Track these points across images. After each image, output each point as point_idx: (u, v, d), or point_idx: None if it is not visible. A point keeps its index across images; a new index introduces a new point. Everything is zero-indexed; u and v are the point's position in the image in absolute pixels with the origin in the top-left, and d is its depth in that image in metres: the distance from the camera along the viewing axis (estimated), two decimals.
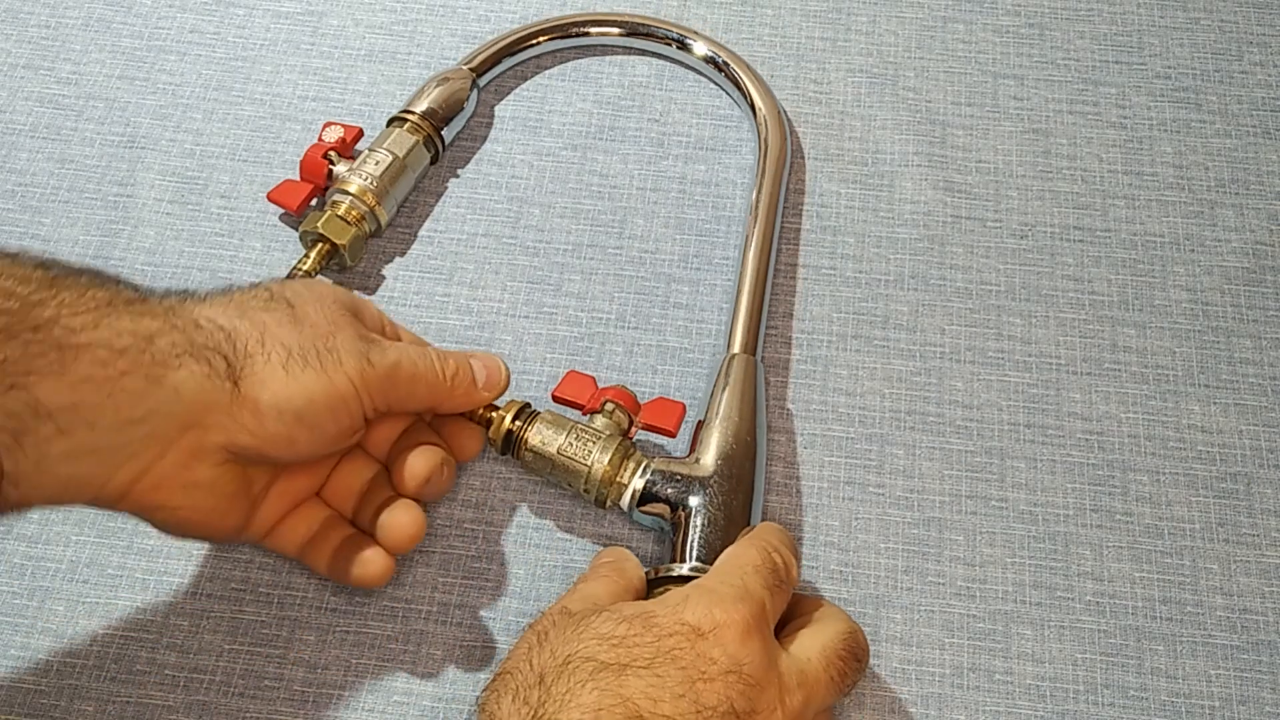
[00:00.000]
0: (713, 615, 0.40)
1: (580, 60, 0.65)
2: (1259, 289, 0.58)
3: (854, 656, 0.43)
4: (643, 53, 0.66)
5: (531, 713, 0.37)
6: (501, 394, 0.50)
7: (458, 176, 0.61)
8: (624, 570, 0.46)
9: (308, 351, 0.44)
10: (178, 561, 0.51)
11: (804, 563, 0.51)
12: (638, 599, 0.45)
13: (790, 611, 0.45)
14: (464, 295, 0.58)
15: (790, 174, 0.61)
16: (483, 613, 0.50)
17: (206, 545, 0.51)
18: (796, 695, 0.40)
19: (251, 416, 0.42)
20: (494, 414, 0.50)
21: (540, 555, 0.51)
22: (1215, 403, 0.55)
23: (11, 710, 0.48)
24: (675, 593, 0.42)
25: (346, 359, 0.45)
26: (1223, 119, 0.63)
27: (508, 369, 0.51)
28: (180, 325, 0.41)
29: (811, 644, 0.43)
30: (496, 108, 0.64)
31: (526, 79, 0.65)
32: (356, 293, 0.53)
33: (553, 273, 0.59)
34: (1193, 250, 0.59)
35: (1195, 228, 0.60)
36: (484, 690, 0.40)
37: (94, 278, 0.41)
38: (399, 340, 0.50)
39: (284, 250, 0.59)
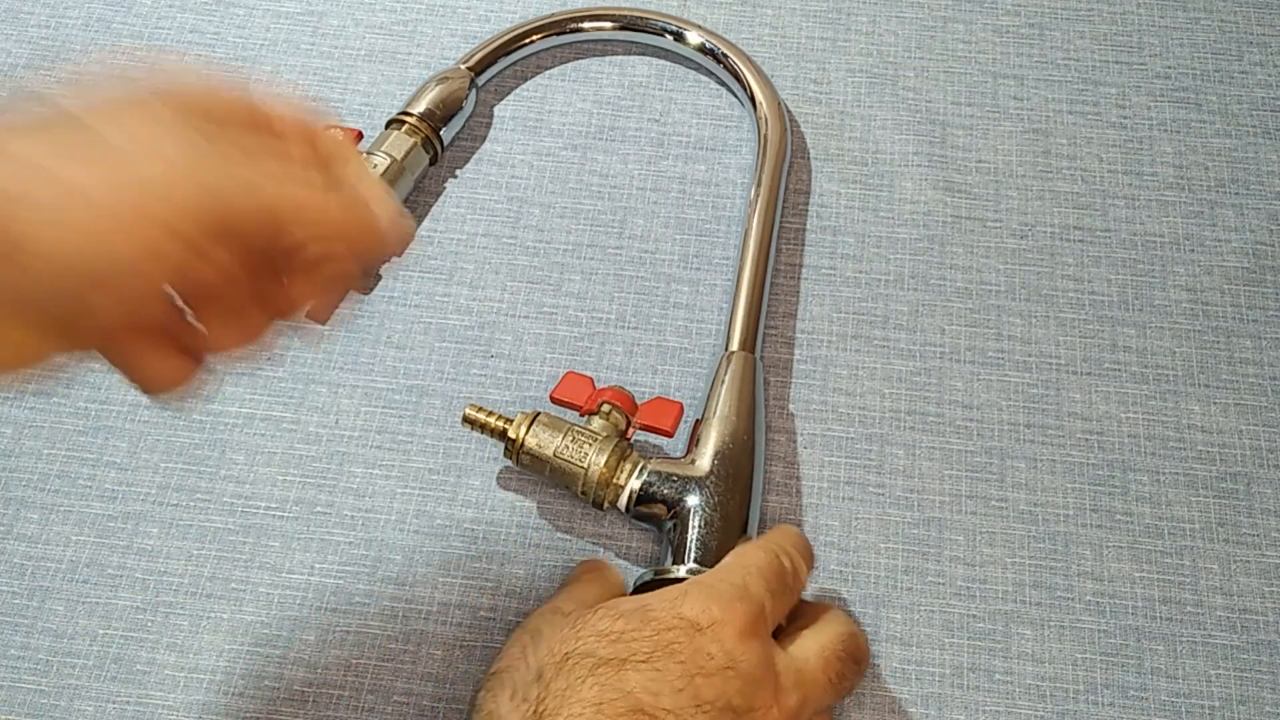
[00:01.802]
0: (710, 611, 0.40)
1: (580, 60, 0.65)
2: (1259, 289, 0.58)
3: (853, 659, 0.44)
4: (641, 48, 0.66)
5: (532, 709, 0.37)
6: (406, 247, 0.40)
7: (456, 177, 0.61)
8: (606, 577, 0.47)
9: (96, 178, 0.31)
10: (178, 561, 0.51)
11: None
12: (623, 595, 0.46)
13: (795, 615, 0.45)
14: (464, 295, 0.58)
15: (790, 167, 0.61)
16: (483, 613, 0.50)
17: (206, 545, 0.51)
18: (793, 695, 0.41)
19: (33, 269, 0.30)
20: (507, 425, 0.50)
21: (540, 555, 0.51)
22: (1215, 403, 0.55)
23: (11, 710, 0.48)
24: (673, 588, 0.42)
25: (164, 163, 0.32)
26: (1223, 119, 0.63)
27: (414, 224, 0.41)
28: None
29: (811, 645, 0.43)
30: (496, 107, 0.64)
31: (526, 79, 0.65)
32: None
33: (553, 273, 0.59)
34: (1193, 250, 0.59)
35: (1195, 228, 0.60)
36: (479, 690, 0.40)
37: None
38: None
39: None
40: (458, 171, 0.62)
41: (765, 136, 0.60)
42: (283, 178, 0.35)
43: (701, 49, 0.64)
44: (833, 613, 0.45)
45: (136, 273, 0.31)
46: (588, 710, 0.37)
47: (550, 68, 0.65)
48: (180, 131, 0.32)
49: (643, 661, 0.38)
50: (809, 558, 0.45)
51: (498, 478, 0.53)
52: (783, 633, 0.44)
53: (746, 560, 0.44)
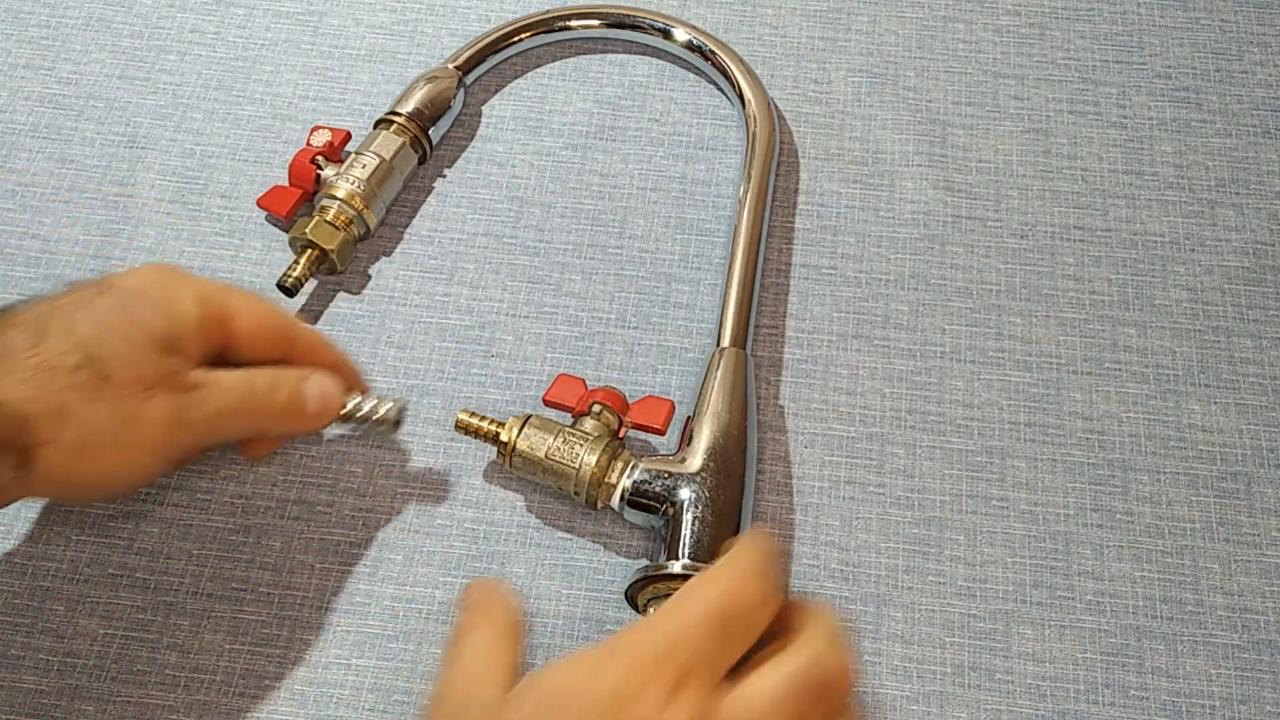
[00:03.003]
0: (631, 681, 0.35)
1: (574, 58, 0.65)
2: (1259, 289, 0.58)
3: (815, 694, 0.37)
4: (630, 46, 0.65)
5: None
6: (330, 420, 0.49)
7: (445, 176, 0.61)
8: (494, 618, 0.40)
9: (105, 428, 0.42)
10: (178, 561, 0.51)
11: (805, 563, 0.51)
12: (518, 637, 0.40)
13: (779, 623, 0.39)
14: (464, 295, 0.58)
15: (780, 168, 0.61)
16: None
17: (206, 545, 0.51)
18: None
19: (43, 489, 0.44)
20: (500, 429, 0.50)
21: (540, 555, 0.51)
22: (1215, 402, 0.55)
23: (11, 710, 0.48)
24: (591, 655, 0.37)
25: (151, 429, 0.43)
26: (1223, 119, 0.63)
27: (342, 391, 0.49)
28: None
29: (764, 684, 0.37)
30: (485, 106, 0.64)
31: (518, 76, 0.65)
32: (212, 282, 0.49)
33: (553, 273, 0.59)
34: (1193, 250, 0.59)
35: (1195, 227, 0.60)
36: None
37: None
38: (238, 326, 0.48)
39: (284, 250, 0.59)
40: (450, 171, 0.62)
41: (754, 134, 0.60)
42: (225, 390, 0.46)
43: (689, 46, 0.64)
44: (806, 634, 0.38)
45: (128, 485, 0.47)
46: None
47: (548, 65, 0.65)
48: (160, 362, 0.44)
49: None
50: (770, 583, 0.38)
51: (498, 478, 0.53)
52: (744, 666, 0.38)
53: (685, 607, 0.37)
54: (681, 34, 0.64)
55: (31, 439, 0.41)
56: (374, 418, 0.50)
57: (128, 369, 0.43)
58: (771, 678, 0.37)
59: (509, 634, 0.40)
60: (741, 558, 0.39)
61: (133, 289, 0.45)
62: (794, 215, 0.60)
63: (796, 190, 0.61)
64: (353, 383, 0.51)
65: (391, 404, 0.50)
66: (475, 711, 0.36)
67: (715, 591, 0.38)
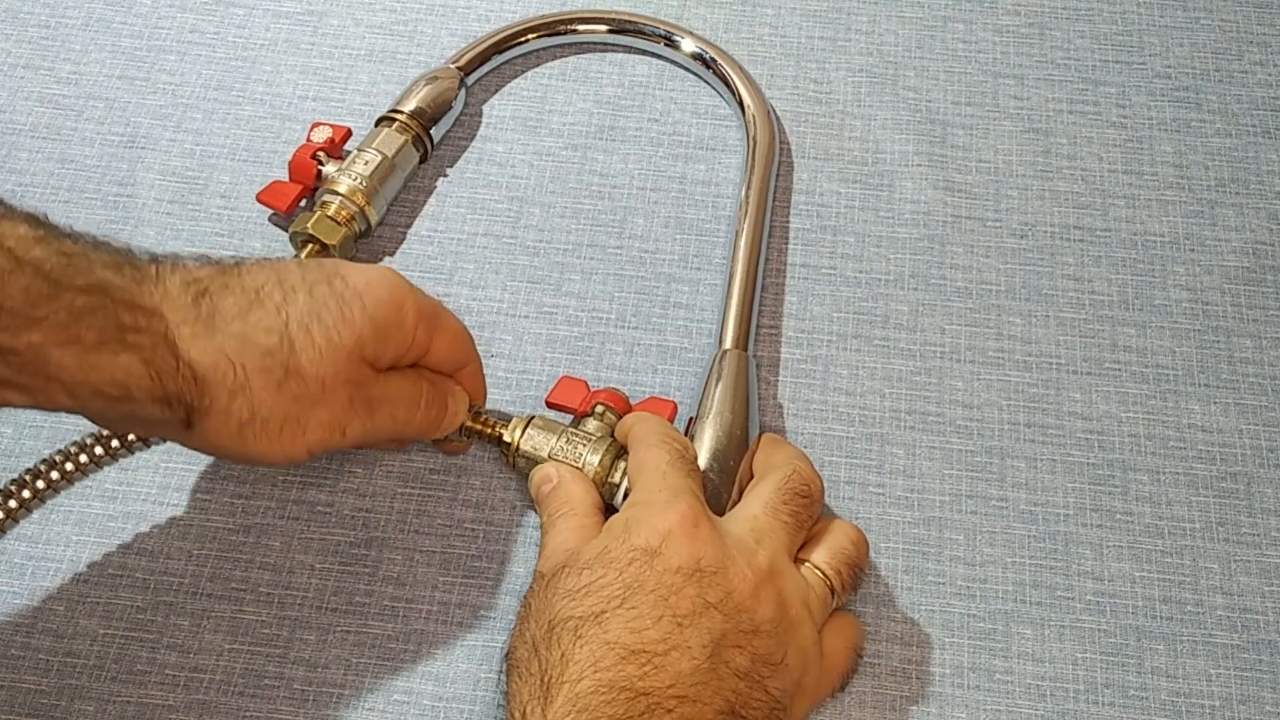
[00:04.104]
0: (656, 529, 0.42)
1: (579, 59, 0.65)
2: (1259, 289, 0.58)
3: (798, 494, 0.46)
4: (630, 50, 0.66)
5: (538, 682, 0.39)
6: (448, 432, 0.50)
7: (446, 175, 0.61)
8: (570, 494, 0.47)
9: (273, 419, 0.43)
10: (178, 561, 0.51)
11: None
12: (598, 510, 0.47)
13: (761, 463, 0.50)
14: (464, 295, 0.58)
15: (779, 170, 0.61)
16: (483, 612, 0.50)
17: (206, 545, 0.51)
18: (759, 553, 0.43)
19: (200, 447, 0.44)
20: (503, 429, 0.50)
21: None
22: (1215, 402, 0.55)
23: (11, 710, 0.48)
24: (617, 521, 0.44)
25: (313, 432, 0.44)
26: (1223, 119, 0.63)
27: (468, 413, 0.51)
28: (158, 365, 0.41)
29: (753, 502, 0.46)
30: (485, 105, 0.64)
31: (518, 75, 0.65)
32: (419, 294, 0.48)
33: (553, 273, 0.59)
34: (1193, 250, 0.59)
35: (1195, 227, 0.60)
36: (502, 674, 0.43)
37: (98, 293, 0.40)
38: (437, 339, 0.49)
39: (284, 250, 0.59)
40: (451, 170, 0.62)
41: (754, 138, 0.60)
42: (394, 408, 0.47)
43: (693, 55, 0.64)
44: (774, 464, 0.48)
45: (276, 464, 0.49)
46: (586, 672, 0.39)
47: (548, 65, 0.65)
48: (350, 370, 0.45)
49: (618, 607, 0.40)
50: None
51: (498, 478, 0.53)
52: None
53: (654, 462, 0.46)
54: (686, 43, 0.64)
55: (203, 404, 0.42)
56: (486, 432, 0.51)
57: (317, 365, 0.44)
58: (760, 494, 0.46)
59: (586, 508, 0.47)
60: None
61: (358, 288, 0.45)
62: (793, 215, 0.60)
63: (796, 190, 0.61)
64: (479, 404, 0.52)
65: (502, 424, 0.51)
66: (549, 571, 0.43)
67: (663, 452, 0.47)
